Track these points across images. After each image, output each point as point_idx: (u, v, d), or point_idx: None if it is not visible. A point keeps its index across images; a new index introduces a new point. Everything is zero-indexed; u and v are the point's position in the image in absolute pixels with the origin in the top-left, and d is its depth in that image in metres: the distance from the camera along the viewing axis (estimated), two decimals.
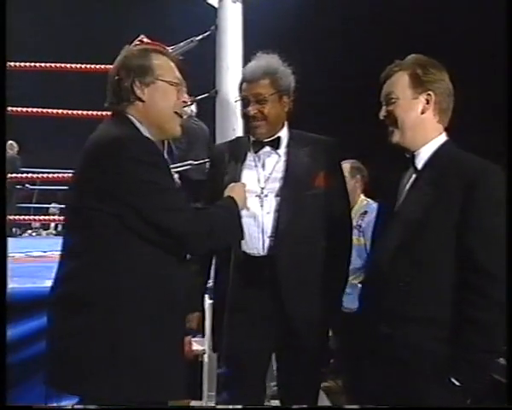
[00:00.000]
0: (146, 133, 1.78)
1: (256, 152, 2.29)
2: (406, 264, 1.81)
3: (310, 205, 2.20)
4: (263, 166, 2.27)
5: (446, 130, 1.94)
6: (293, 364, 2.24)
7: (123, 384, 1.64)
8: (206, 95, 3.28)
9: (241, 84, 2.29)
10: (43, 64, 4.04)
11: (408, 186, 1.90)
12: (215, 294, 2.43)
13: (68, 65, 4.09)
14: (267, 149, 2.28)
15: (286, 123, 2.32)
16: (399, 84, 1.89)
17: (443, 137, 1.91)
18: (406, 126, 1.88)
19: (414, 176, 1.89)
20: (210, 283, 3.35)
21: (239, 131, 3.09)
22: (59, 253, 1.78)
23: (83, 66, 4.07)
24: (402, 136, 1.89)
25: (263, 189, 2.22)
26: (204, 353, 3.25)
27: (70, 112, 4.03)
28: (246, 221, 1.99)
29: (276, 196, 2.21)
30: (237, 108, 3.05)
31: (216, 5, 3.37)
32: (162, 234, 1.69)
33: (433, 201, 1.80)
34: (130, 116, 1.80)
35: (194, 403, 3.18)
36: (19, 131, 6.68)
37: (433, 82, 1.87)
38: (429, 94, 1.87)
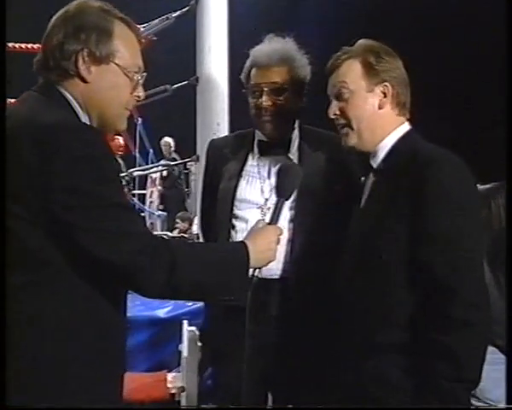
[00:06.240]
0: (85, 119, 1.44)
1: (261, 155, 2.08)
2: (362, 283, 1.68)
3: (328, 220, 1.97)
4: (268, 173, 2.04)
5: (409, 120, 1.76)
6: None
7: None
8: (184, 83, 3.02)
9: (250, 69, 2.08)
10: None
11: (368, 191, 1.76)
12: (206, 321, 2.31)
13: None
14: (275, 152, 2.06)
15: (297, 121, 2.10)
16: (351, 74, 1.73)
17: (405, 127, 1.73)
18: (363, 126, 1.72)
19: (373, 178, 1.75)
20: (190, 305, 3.12)
21: (225, 125, 2.87)
22: None
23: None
24: (359, 138, 1.72)
25: (267, 200, 2.02)
26: (182, 390, 2.94)
27: None
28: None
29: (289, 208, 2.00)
30: (224, 97, 2.83)
31: None
32: (101, 264, 1.35)
33: (387, 207, 1.66)
34: (65, 93, 1.45)
35: None
36: None
37: (388, 71, 1.72)
38: (386, 85, 1.71)
